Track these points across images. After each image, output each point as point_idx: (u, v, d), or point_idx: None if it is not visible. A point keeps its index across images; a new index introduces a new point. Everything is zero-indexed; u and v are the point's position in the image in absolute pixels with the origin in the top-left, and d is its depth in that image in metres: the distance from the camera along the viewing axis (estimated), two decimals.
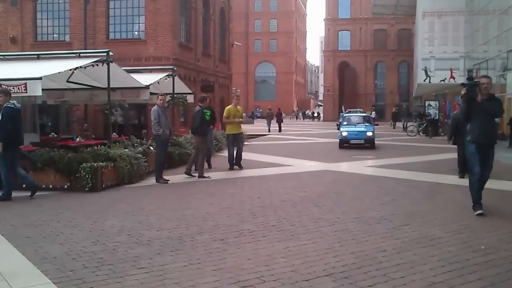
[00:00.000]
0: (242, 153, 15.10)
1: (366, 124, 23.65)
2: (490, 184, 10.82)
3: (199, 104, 13.66)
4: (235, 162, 14.75)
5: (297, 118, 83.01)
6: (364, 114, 27.40)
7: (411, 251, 6.06)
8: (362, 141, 21.93)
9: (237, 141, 14.83)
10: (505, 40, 26.25)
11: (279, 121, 40.73)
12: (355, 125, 23.56)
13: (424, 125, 32.98)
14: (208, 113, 14.09)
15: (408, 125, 36.89)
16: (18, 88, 10.31)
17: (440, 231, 7.06)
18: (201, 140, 13.37)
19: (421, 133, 32.98)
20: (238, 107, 15.32)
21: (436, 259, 5.72)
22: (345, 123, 24.26)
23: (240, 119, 15.24)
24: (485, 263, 5.62)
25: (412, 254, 5.93)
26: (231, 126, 14.98)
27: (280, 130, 38.69)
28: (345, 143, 22.07)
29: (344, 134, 22.30)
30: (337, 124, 26.05)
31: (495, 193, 10.37)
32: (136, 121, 24.47)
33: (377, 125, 25.64)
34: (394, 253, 6.00)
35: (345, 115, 28.08)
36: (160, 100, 12.52)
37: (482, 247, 6.25)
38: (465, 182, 11.75)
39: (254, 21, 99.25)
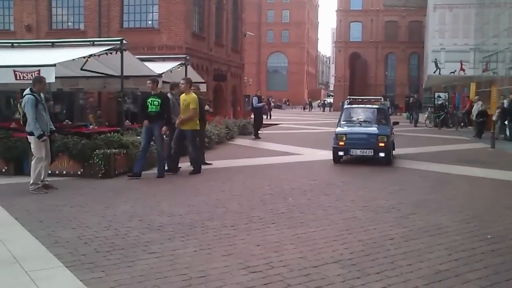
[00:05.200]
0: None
1: (380, 122, 14.48)
2: (495, 174, 10.89)
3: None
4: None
5: (304, 109, 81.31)
6: (376, 106, 15.38)
7: (419, 240, 6.14)
8: (371, 152, 13.12)
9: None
10: None
11: (269, 109, 45.86)
12: (360, 124, 14.38)
13: (442, 116, 31.62)
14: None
15: (431, 116, 33.28)
16: (32, 75, 10.38)
17: (447, 220, 7.13)
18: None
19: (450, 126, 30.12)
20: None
21: (443, 248, 5.80)
22: (344, 120, 14.75)
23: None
24: (491, 252, 5.69)
25: (420, 242, 6.01)
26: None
27: (269, 118, 43.54)
28: (341, 154, 13.52)
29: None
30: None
31: (501, 183, 10.39)
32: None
33: (397, 123, 16.17)
34: (402, 241, 6.08)
35: (346, 106, 16.00)
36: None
37: (489, 236, 6.31)
38: (473, 172, 11.87)
39: (266, 11, 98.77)
